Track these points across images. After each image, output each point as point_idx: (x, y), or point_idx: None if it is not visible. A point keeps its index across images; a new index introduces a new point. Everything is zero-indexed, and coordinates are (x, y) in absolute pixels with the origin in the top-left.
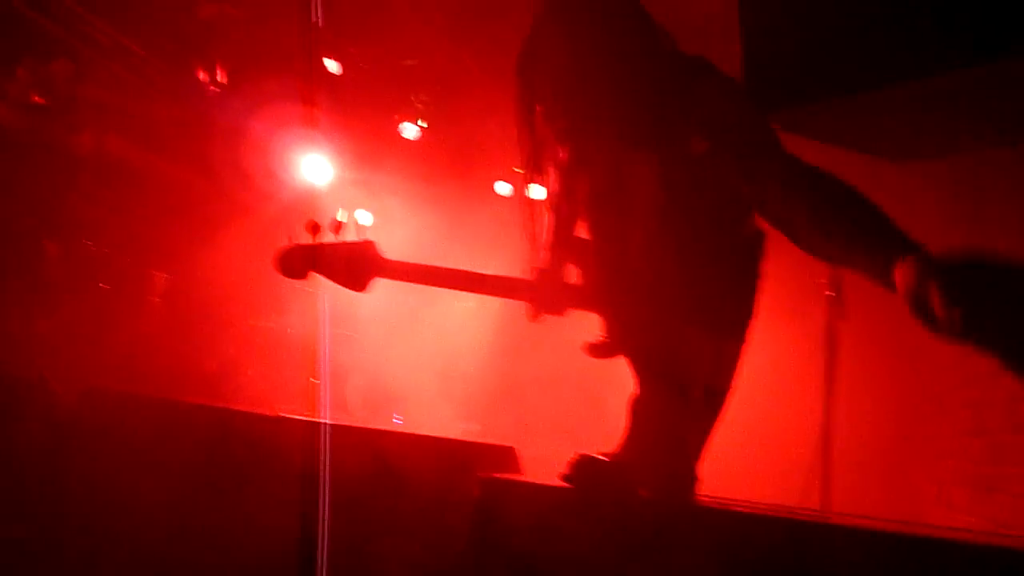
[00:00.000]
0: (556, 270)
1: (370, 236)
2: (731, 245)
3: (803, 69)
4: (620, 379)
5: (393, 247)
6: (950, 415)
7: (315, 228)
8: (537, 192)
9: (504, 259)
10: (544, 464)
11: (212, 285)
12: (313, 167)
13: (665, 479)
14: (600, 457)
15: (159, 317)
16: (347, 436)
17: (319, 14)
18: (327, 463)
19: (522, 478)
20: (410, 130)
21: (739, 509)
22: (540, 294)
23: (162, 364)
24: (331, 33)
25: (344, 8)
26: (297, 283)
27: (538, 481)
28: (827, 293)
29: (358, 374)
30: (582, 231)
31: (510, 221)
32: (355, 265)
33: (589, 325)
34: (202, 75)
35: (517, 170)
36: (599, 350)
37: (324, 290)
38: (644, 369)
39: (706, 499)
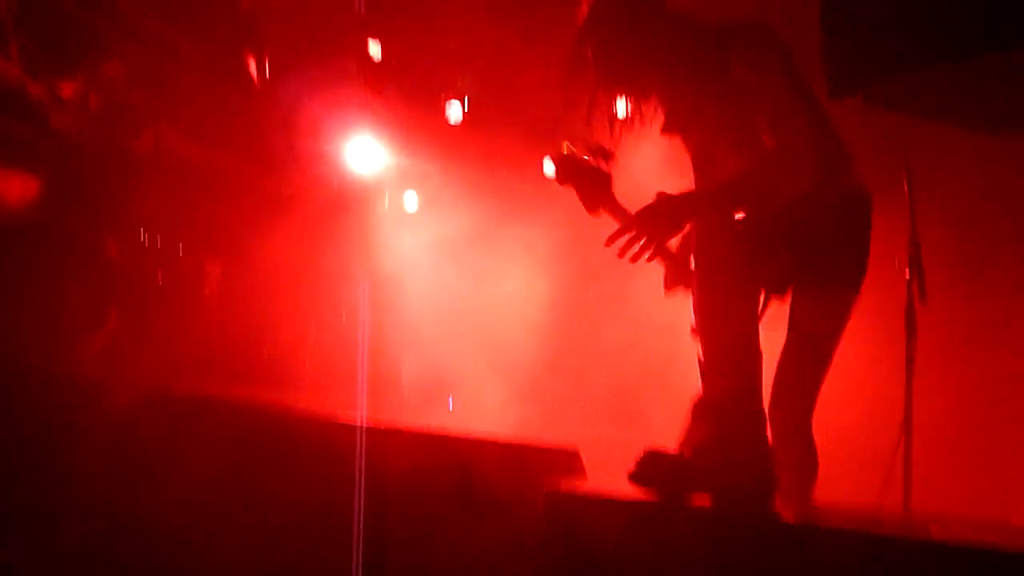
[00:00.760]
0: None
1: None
2: (835, 200)
3: (890, 39)
4: (684, 362)
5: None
6: None
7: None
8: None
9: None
10: (608, 461)
11: (267, 275)
12: (362, 153)
13: (749, 484)
14: (671, 454)
15: (215, 308)
16: (399, 439)
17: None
18: (362, 468)
19: (589, 490)
20: (456, 111)
21: (822, 516)
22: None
23: (220, 355)
24: (374, 16)
25: None
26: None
27: (607, 494)
28: (905, 276)
29: (411, 359)
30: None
31: (558, 199)
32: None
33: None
34: (249, 66)
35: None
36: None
37: (365, 278)
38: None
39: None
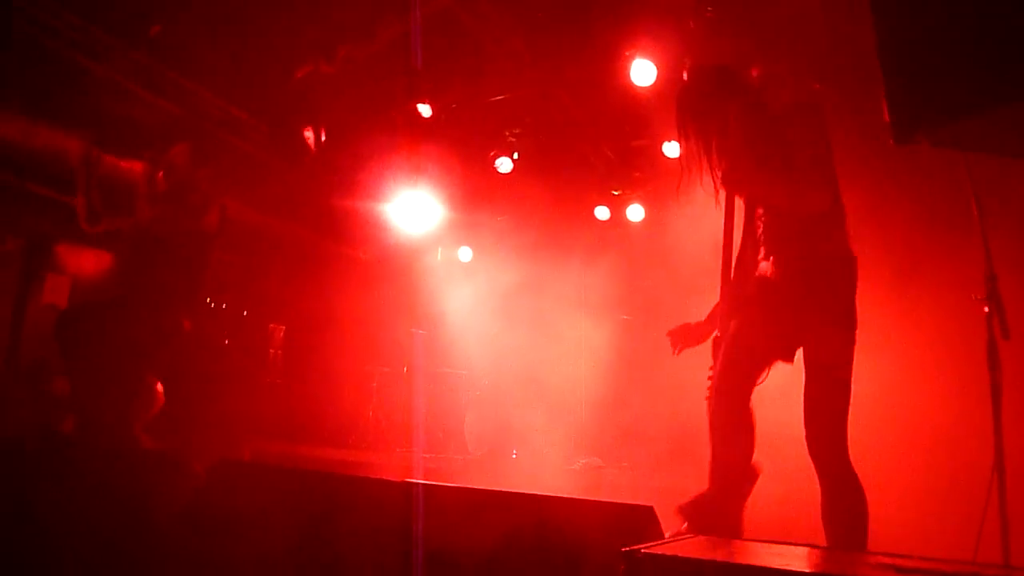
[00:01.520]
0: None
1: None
2: (833, 254)
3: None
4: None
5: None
6: None
7: None
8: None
9: (601, 278)
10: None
11: (328, 335)
12: (416, 210)
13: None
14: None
15: (279, 368)
16: (472, 498)
17: (418, 59)
18: (420, 527)
19: (667, 550)
20: (505, 164)
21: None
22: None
23: (286, 413)
24: (422, 77)
25: (433, 53)
26: None
27: (685, 554)
28: (984, 309)
29: (475, 412)
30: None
31: (609, 243)
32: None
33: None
34: (306, 133)
35: (615, 192)
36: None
37: (418, 336)
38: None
39: (884, 557)
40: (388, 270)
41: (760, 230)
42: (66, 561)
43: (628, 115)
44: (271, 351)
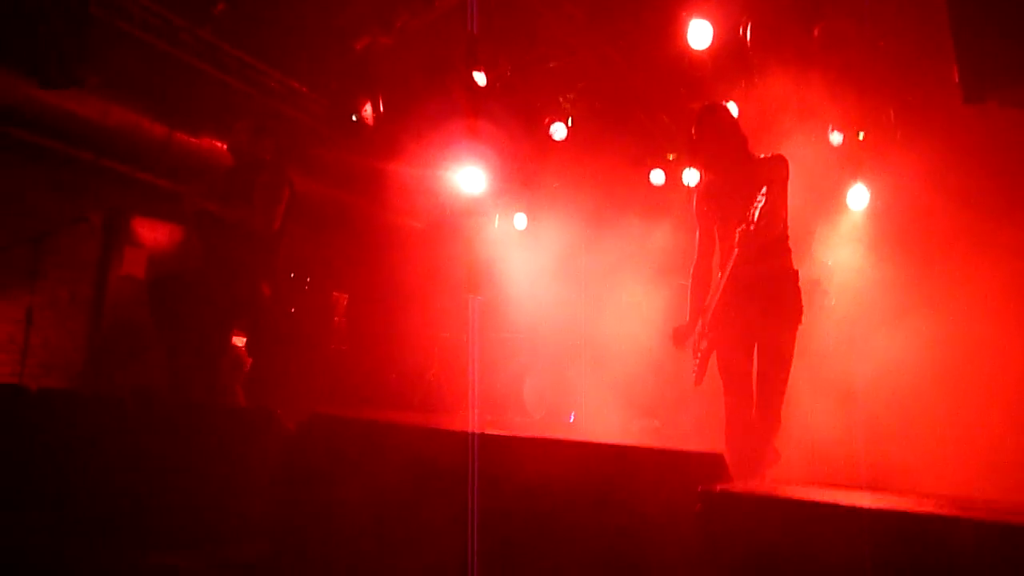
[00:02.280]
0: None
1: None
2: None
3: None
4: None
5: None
6: None
7: None
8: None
9: (658, 243)
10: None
11: (391, 302)
12: (473, 179)
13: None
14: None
15: (343, 335)
16: (554, 448)
17: (475, 25)
18: (475, 473)
19: (742, 489)
20: (560, 130)
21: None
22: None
23: (353, 378)
24: (477, 45)
25: (488, 19)
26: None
27: (760, 492)
28: None
29: (533, 375)
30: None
31: (664, 207)
32: None
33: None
34: (365, 105)
35: (670, 157)
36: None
37: (477, 302)
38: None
39: (948, 500)
40: (446, 238)
41: (734, 250)
42: (172, 512)
43: (684, 78)
44: (335, 319)
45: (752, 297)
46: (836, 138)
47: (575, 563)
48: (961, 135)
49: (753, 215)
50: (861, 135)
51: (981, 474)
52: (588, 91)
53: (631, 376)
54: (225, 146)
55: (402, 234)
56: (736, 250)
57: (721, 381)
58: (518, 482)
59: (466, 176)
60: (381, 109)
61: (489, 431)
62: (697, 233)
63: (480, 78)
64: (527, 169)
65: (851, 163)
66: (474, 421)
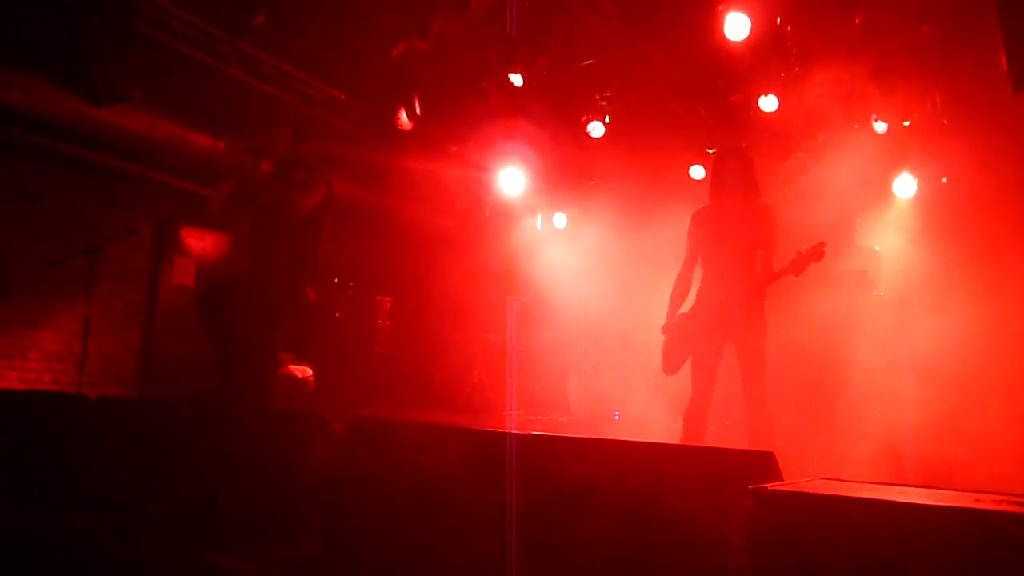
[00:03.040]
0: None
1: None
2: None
3: None
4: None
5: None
6: None
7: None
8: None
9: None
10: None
11: (431, 305)
12: (512, 179)
13: None
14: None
15: (387, 338)
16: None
17: (514, 27)
18: (514, 472)
19: (795, 487)
20: (597, 128)
21: None
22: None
23: (397, 380)
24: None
25: (523, 19)
26: None
27: (811, 490)
28: None
29: (576, 374)
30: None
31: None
32: None
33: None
34: (402, 110)
35: (709, 151)
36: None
37: (518, 303)
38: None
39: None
40: (487, 239)
41: (723, 269)
42: (227, 513)
43: (722, 71)
44: (379, 322)
45: (737, 315)
46: (880, 127)
47: (623, 559)
48: (1010, 122)
49: (757, 261)
50: (907, 123)
51: None
52: (625, 88)
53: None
54: (266, 153)
55: (443, 236)
56: (734, 282)
57: (691, 375)
58: (562, 482)
59: (505, 177)
60: (419, 113)
61: (532, 431)
62: (687, 250)
63: (517, 79)
64: (566, 168)
65: (897, 152)
66: (512, 421)
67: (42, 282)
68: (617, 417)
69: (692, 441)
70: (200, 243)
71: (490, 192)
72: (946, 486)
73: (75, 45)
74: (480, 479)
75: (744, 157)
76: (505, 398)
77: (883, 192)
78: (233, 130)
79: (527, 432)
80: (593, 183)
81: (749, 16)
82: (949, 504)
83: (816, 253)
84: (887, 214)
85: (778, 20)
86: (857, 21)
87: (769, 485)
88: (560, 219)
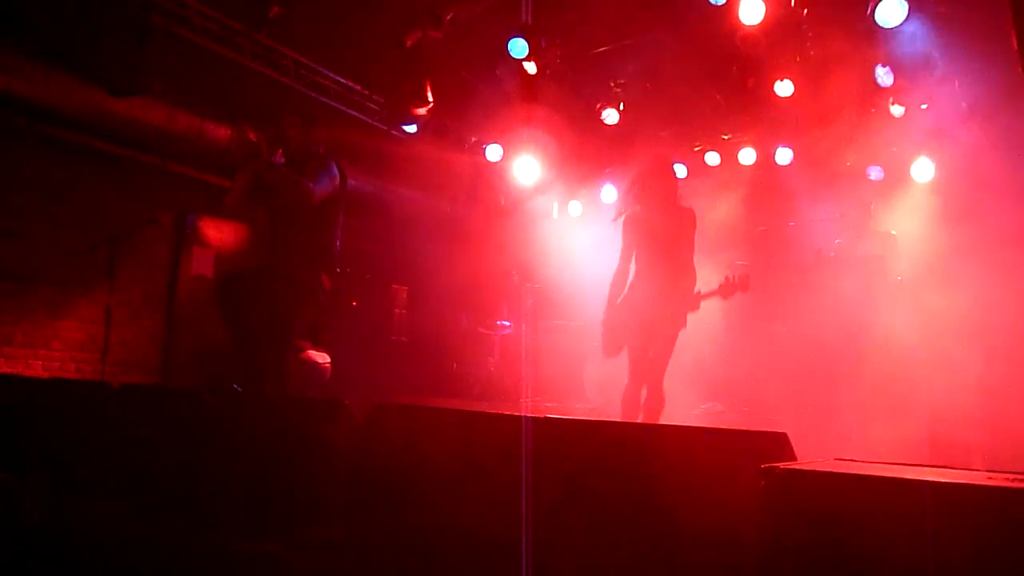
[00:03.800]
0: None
1: (585, 222)
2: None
3: None
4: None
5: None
6: None
7: None
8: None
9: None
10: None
11: (447, 293)
12: (527, 167)
13: None
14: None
15: (404, 327)
16: (624, 431)
17: (529, 15)
18: (530, 455)
19: (807, 466)
20: (612, 115)
21: None
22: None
23: (414, 368)
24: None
25: (535, 6)
26: None
27: (822, 468)
28: None
29: (593, 361)
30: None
31: (720, 188)
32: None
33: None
34: (416, 100)
35: (724, 136)
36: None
37: (533, 290)
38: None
39: (1007, 474)
40: (503, 228)
41: (649, 271)
42: (250, 499)
43: (736, 56)
44: (395, 311)
45: (663, 311)
46: (897, 110)
47: (636, 539)
48: None
49: (679, 263)
50: (924, 106)
51: None
52: (639, 75)
53: (692, 361)
54: (278, 143)
55: (459, 225)
56: (660, 279)
57: (628, 364)
58: (577, 464)
59: (520, 165)
60: (432, 102)
61: (548, 416)
62: (622, 249)
63: (530, 67)
64: (581, 156)
65: (915, 135)
66: (528, 408)
67: (65, 272)
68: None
69: (628, 419)
70: (218, 233)
71: (506, 180)
72: (962, 467)
73: (94, 38)
74: (497, 462)
75: (664, 165)
76: (521, 386)
77: (901, 176)
78: (251, 121)
79: (543, 416)
80: (609, 170)
81: (764, 0)
82: (959, 481)
83: (743, 283)
84: (905, 199)
85: (792, 3)
86: (871, 6)
87: (781, 464)
88: (575, 207)
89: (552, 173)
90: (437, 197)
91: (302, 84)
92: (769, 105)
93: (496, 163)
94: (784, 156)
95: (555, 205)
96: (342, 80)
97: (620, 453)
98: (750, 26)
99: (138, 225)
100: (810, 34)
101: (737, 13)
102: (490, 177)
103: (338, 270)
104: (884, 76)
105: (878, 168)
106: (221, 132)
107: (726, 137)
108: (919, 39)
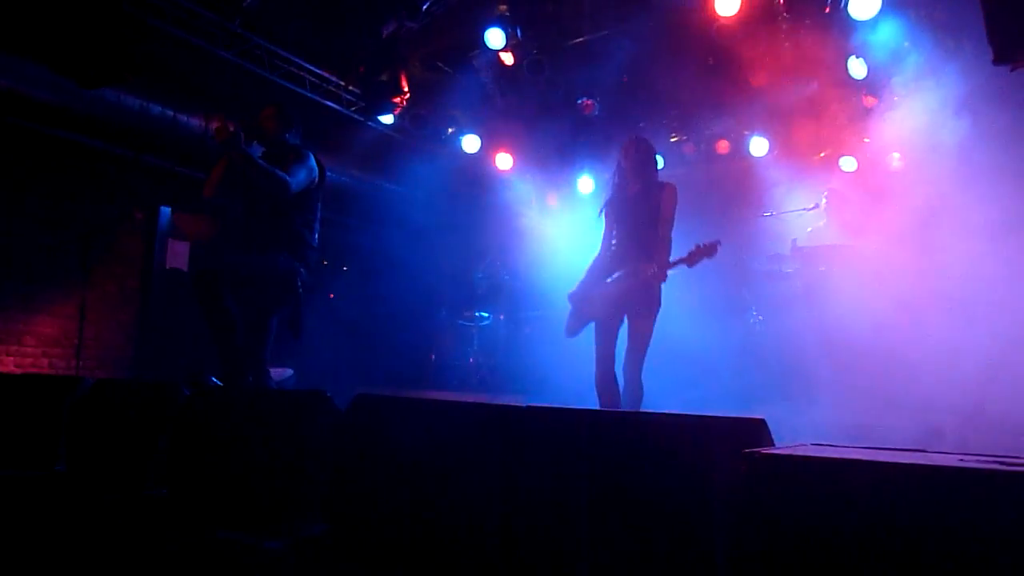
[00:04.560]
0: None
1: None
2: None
3: None
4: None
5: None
6: None
7: None
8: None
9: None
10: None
11: (426, 286)
12: (504, 159)
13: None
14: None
15: (381, 319)
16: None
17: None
18: (511, 445)
19: (786, 451)
20: (590, 106)
21: None
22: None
23: (392, 361)
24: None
25: None
26: None
27: (801, 453)
28: None
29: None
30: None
31: (699, 180)
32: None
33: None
34: (392, 91)
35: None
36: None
37: (511, 283)
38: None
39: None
40: (481, 220)
41: (626, 246)
42: (234, 491)
43: (712, 47)
44: (373, 303)
45: (633, 291)
46: (869, 101)
47: (610, 525)
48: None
49: (654, 237)
50: (896, 98)
51: None
52: (616, 66)
53: (670, 350)
54: (252, 134)
55: (438, 217)
56: (634, 250)
57: (595, 342)
58: (555, 451)
59: (497, 156)
60: (408, 93)
61: (525, 404)
62: (604, 233)
63: (507, 57)
64: (557, 147)
65: (887, 127)
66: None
67: (38, 268)
68: None
69: (608, 405)
70: (194, 227)
71: (483, 171)
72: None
73: (66, 28)
74: (479, 452)
75: (643, 143)
76: (500, 377)
77: (874, 167)
78: (225, 113)
79: (523, 405)
80: (587, 161)
81: None
82: (933, 463)
83: (710, 249)
84: (875, 188)
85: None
86: None
87: (762, 450)
88: (552, 198)
89: (528, 164)
90: (413, 188)
91: (277, 75)
92: (744, 96)
93: (473, 154)
94: (759, 147)
95: (532, 196)
96: (317, 70)
97: (598, 440)
98: (726, 18)
99: (112, 219)
100: (785, 26)
101: (713, 5)
102: (467, 168)
103: (317, 262)
104: (857, 68)
105: (851, 159)
106: (195, 123)
107: (705, 130)
108: (892, 32)
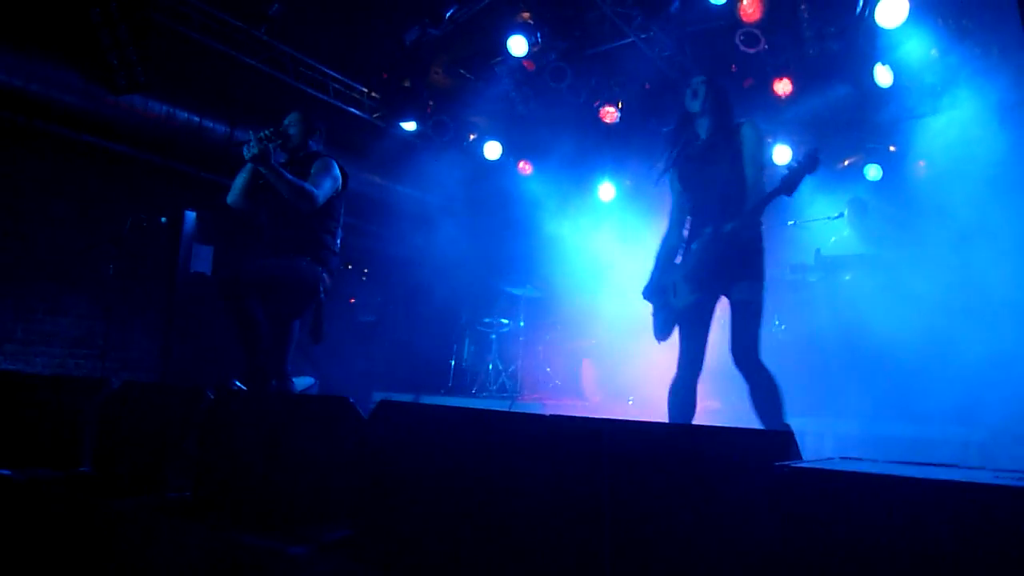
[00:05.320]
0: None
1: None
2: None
3: None
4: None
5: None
6: None
7: None
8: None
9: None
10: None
11: (447, 291)
12: (524, 166)
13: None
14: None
15: (402, 323)
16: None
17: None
18: (537, 454)
19: (817, 465)
20: (611, 115)
21: None
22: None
23: (413, 366)
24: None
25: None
26: None
27: (830, 467)
28: None
29: (590, 360)
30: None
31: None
32: None
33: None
34: (415, 98)
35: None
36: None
37: (532, 291)
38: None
39: None
40: (503, 226)
41: (706, 208)
42: (258, 496)
43: (735, 53)
44: (394, 308)
45: (727, 260)
46: (895, 109)
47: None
48: None
49: (742, 199)
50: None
51: None
52: (637, 73)
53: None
54: (277, 140)
55: (460, 224)
56: (717, 218)
57: (679, 337)
58: (577, 460)
59: (519, 163)
60: (431, 100)
61: (555, 415)
62: (670, 210)
63: (530, 65)
64: (580, 154)
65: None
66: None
67: (64, 270)
68: (631, 402)
69: (677, 419)
70: (218, 231)
71: (504, 178)
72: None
73: (95, 36)
74: (500, 460)
75: (714, 81)
76: (519, 384)
77: (899, 175)
78: (249, 118)
79: (554, 415)
80: (608, 168)
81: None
82: (967, 480)
83: (810, 163)
84: (902, 197)
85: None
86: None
87: (790, 463)
88: (573, 204)
89: (550, 171)
90: (435, 194)
91: (301, 81)
92: (768, 104)
93: (494, 160)
94: (782, 155)
95: (553, 202)
96: (341, 77)
97: (617, 451)
98: (749, 25)
99: (138, 223)
100: (809, 34)
101: (737, 12)
102: (488, 174)
103: (339, 267)
104: (884, 75)
105: (877, 167)
106: (220, 129)
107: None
108: (920, 40)
